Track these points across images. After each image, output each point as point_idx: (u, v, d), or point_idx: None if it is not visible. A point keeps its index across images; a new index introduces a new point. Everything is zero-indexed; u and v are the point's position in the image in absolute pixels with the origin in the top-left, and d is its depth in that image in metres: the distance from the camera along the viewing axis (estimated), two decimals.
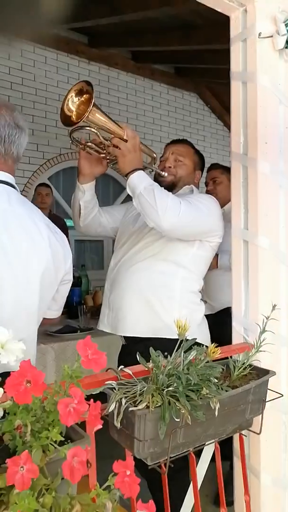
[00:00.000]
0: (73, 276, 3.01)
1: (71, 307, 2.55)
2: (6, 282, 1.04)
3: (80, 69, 4.84)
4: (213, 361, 0.95)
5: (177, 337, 0.90)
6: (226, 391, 0.91)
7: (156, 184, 1.43)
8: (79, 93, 1.36)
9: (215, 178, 2.43)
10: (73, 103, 1.36)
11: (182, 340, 0.90)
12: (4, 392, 0.61)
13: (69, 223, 4.15)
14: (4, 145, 1.11)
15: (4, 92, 4.35)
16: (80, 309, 2.51)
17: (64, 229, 3.24)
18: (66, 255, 1.20)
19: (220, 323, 1.64)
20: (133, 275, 1.55)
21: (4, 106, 1.15)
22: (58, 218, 4.00)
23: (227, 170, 2.43)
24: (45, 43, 4.45)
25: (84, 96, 1.35)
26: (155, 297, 1.51)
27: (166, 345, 0.93)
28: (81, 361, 0.67)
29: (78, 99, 1.36)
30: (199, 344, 0.96)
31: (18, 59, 4.39)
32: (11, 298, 1.04)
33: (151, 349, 0.94)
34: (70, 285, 1.29)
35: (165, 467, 0.85)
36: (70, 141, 1.47)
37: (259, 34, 1.25)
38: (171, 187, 1.61)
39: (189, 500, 1.14)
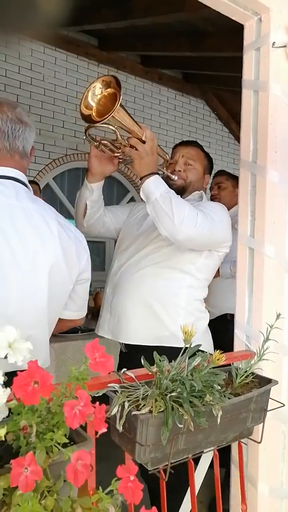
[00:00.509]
0: None
1: None
2: (11, 277, 1.03)
3: (89, 71, 4.86)
4: (216, 367, 0.95)
5: (181, 346, 0.90)
6: (229, 398, 0.91)
7: (173, 191, 1.40)
8: (105, 85, 1.31)
9: (220, 183, 2.45)
10: (94, 96, 1.31)
11: (188, 346, 0.89)
12: (11, 392, 0.61)
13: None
14: (8, 140, 1.10)
15: (13, 91, 4.37)
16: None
17: None
18: (81, 252, 1.18)
19: (217, 330, 1.64)
20: (139, 280, 1.51)
21: (6, 104, 1.14)
22: None
23: (232, 177, 2.45)
24: (55, 44, 4.47)
25: (108, 90, 1.30)
26: (161, 305, 1.49)
27: (170, 354, 0.93)
28: (89, 364, 0.67)
29: (101, 92, 1.31)
30: (202, 352, 0.96)
31: (28, 59, 4.40)
32: (16, 294, 1.03)
33: (155, 353, 0.93)
34: (89, 284, 1.27)
35: (165, 473, 0.85)
36: (85, 137, 1.41)
37: (273, 44, 1.26)
38: (180, 191, 1.59)
39: (186, 506, 1.14)
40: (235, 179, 2.37)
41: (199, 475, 1.15)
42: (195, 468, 1.05)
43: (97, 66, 4.86)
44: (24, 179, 1.14)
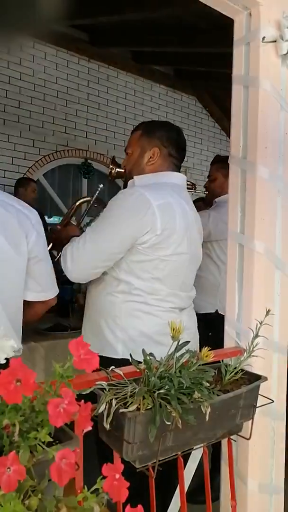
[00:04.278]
0: (63, 274, 2.96)
1: (62, 306, 2.52)
2: None
3: (80, 66, 4.83)
4: (205, 364, 0.94)
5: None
6: (218, 395, 0.90)
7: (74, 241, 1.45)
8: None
9: (210, 175, 2.42)
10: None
11: (178, 342, 0.89)
12: None
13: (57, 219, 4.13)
14: None
15: (2, 87, 4.32)
16: (72, 307, 2.49)
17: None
18: (27, 228, 1.20)
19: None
20: (88, 300, 1.52)
21: None
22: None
23: (225, 164, 2.35)
24: (45, 39, 4.43)
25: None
26: (102, 318, 1.41)
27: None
28: (73, 361, 0.65)
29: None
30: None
31: (17, 54, 4.36)
32: None
33: (143, 349, 0.93)
34: (48, 263, 1.29)
35: (153, 471, 0.84)
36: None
37: (263, 39, 1.25)
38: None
39: (176, 503, 1.13)
40: (227, 165, 2.30)
41: (189, 472, 1.15)
42: (185, 465, 1.04)
43: (87, 62, 4.83)
44: None
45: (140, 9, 3.26)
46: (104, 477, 0.60)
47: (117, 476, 0.59)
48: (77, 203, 1.80)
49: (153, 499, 0.85)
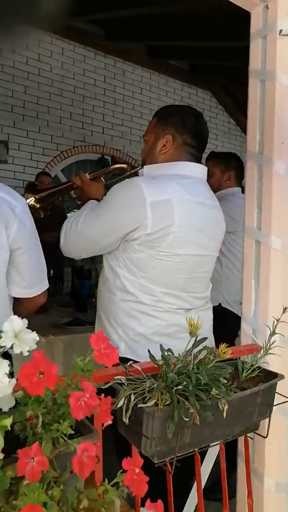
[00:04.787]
0: (84, 270, 2.97)
1: (81, 300, 2.55)
2: None
3: (96, 61, 4.83)
4: (222, 361, 0.95)
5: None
6: (235, 392, 0.90)
7: (84, 209, 1.43)
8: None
9: (207, 172, 2.39)
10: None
11: (195, 338, 0.89)
12: (17, 381, 0.61)
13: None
14: None
15: (22, 82, 4.36)
16: (89, 302, 2.51)
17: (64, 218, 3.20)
18: (8, 217, 1.15)
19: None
20: (97, 295, 1.50)
21: None
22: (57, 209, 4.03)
23: (220, 160, 2.32)
24: (63, 34, 4.44)
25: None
26: (105, 316, 1.40)
27: None
28: (94, 355, 0.66)
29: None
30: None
31: (36, 49, 4.38)
32: None
33: (160, 345, 0.93)
34: (33, 256, 1.23)
35: (171, 466, 0.85)
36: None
37: (280, 32, 1.23)
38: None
39: (191, 501, 1.14)
40: (223, 161, 2.27)
41: (205, 469, 1.16)
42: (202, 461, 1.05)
43: (104, 57, 4.83)
44: None
45: (155, 2, 3.24)
46: (124, 471, 0.61)
47: (137, 470, 0.60)
48: (114, 166, 1.74)
49: (170, 494, 0.86)
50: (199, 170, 1.44)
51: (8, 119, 4.15)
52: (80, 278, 2.64)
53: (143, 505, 0.62)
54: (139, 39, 4.53)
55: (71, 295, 2.71)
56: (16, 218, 1.16)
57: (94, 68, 4.74)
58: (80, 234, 1.34)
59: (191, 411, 0.80)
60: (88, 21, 4.38)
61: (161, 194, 1.28)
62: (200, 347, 0.92)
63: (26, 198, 1.64)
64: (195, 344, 0.89)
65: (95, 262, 3.36)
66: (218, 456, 1.08)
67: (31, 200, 1.67)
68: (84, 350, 0.70)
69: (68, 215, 1.46)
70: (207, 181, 2.41)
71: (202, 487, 1.01)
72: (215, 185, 2.32)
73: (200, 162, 1.46)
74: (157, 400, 0.81)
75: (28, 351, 0.68)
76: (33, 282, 1.27)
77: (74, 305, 2.59)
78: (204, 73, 5.17)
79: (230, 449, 1.22)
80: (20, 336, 0.69)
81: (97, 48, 4.68)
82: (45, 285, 1.32)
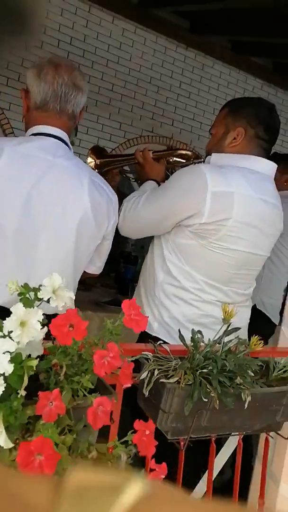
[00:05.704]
0: (131, 255, 3.03)
1: (123, 284, 2.61)
2: (40, 224, 1.13)
3: (177, 54, 4.83)
4: (255, 358, 0.93)
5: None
6: (261, 387, 0.89)
7: (146, 190, 1.48)
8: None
9: None
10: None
11: (228, 325, 0.89)
12: (48, 331, 0.65)
13: None
14: (60, 103, 1.19)
15: (100, 69, 4.48)
16: (131, 286, 2.56)
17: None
18: (111, 213, 1.27)
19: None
20: (141, 270, 1.54)
21: (65, 65, 1.22)
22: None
23: (281, 161, 2.18)
24: (148, 25, 4.48)
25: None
26: (145, 294, 1.44)
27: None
28: (123, 319, 0.69)
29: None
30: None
31: (119, 38, 4.47)
32: (45, 240, 1.14)
33: (192, 329, 0.94)
34: (111, 243, 1.36)
35: (184, 445, 0.86)
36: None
37: None
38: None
39: (202, 487, 1.14)
40: (282, 162, 2.14)
41: (219, 460, 1.15)
42: (218, 451, 1.04)
43: (185, 50, 4.81)
44: (66, 138, 1.24)
45: None
46: (135, 431, 0.63)
47: (147, 432, 0.62)
48: (180, 151, 1.73)
49: (180, 470, 0.87)
50: (269, 167, 1.41)
51: None
52: (126, 263, 2.70)
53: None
54: (224, 33, 4.44)
55: (115, 278, 2.77)
56: (114, 214, 1.30)
57: (173, 60, 4.74)
58: (140, 216, 1.39)
59: (212, 394, 0.80)
60: (174, 12, 4.38)
61: (225, 185, 1.27)
62: (231, 336, 0.92)
63: (88, 158, 1.74)
64: (226, 332, 0.89)
65: (144, 250, 3.40)
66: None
67: (92, 163, 1.73)
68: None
69: (128, 196, 1.49)
70: None
71: (213, 478, 1.01)
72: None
73: (269, 156, 1.43)
74: (180, 378, 0.82)
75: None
76: (103, 263, 1.41)
77: (116, 287, 2.65)
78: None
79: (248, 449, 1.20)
80: (57, 292, 0.74)
81: (180, 40, 4.67)
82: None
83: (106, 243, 1.32)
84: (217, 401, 0.80)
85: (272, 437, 1.05)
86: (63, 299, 0.73)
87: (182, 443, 0.86)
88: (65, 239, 1.18)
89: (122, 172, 1.85)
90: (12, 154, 1.13)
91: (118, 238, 1.46)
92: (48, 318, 0.70)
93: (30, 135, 1.21)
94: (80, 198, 1.18)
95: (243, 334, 1.43)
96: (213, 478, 1.02)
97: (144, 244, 4.29)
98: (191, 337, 0.89)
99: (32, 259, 1.14)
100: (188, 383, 0.82)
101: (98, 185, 1.24)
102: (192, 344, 0.88)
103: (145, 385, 0.85)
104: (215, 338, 0.89)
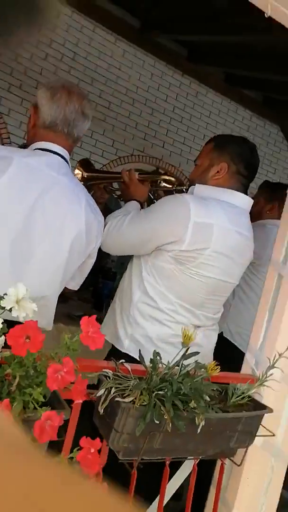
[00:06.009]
0: (111, 271, 3.03)
1: (99, 299, 2.61)
2: (38, 236, 1.18)
3: (173, 79, 4.97)
4: (214, 383, 0.95)
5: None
6: (216, 412, 0.90)
7: (131, 211, 1.51)
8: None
9: (253, 198, 2.31)
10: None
11: (186, 350, 0.90)
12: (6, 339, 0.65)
13: None
14: (68, 127, 1.27)
15: (99, 86, 4.56)
16: (106, 302, 2.56)
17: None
18: (99, 234, 1.35)
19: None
20: (118, 286, 1.57)
21: (77, 93, 1.30)
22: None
23: (268, 189, 2.22)
24: (148, 49, 4.61)
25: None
26: (119, 311, 1.47)
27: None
28: (80, 335, 0.70)
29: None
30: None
31: (120, 59, 4.58)
32: (41, 251, 1.19)
33: (154, 350, 0.95)
34: (93, 262, 1.41)
35: (134, 467, 0.86)
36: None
37: None
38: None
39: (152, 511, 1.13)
40: (269, 191, 2.17)
41: (172, 485, 1.14)
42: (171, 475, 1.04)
43: (181, 76, 4.95)
44: (68, 157, 1.31)
45: (238, 32, 3.31)
46: (80, 448, 0.63)
47: (92, 450, 0.62)
48: (164, 176, 1.78)
49: (131, 492, 0.87)
50: (245, 201, 1.49)
51: None
52: (104, 278, 2.71)
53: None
54: (219, 64, 4.61)
55: (92, 292, 2.77)
56: (101, 234, 1.37)
57: (169, 84, 4.88)
58: (123, 235, 1.42)
59: (165, 417, 0.81)
60: (174, 40, 4.53)
61: (206, 216, 1.34)
62: (191, 360, 0.93)
63: (75, 170, 1.79)
64: (185, 356, 0.90)
65: (124, 267, 3.42)
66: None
67: (79, 175, 1.77)
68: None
69: (113, 213, 1.52)
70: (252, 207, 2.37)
71: (164, 502, 1.00)
72: (255, 214, 2.26)
73: (247, 191, 1.52)
74: (135, 398, 0.83)
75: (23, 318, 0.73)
76: (83, 280, 1.45)
77: (92, 302, 2.65)
78: (277, 106, 5.16)
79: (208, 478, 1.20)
80: (21, 302, 0.74)
81: (177, 67, 4.82)
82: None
83: (89, 261, 1.38)
84: (170, 424, 0.81)
85: (226, 464, 1.05)
86: (26, 310, 0.73)
87: (134, 463, 0.86)
88: (59, 252, 1.23)
89: (109, 192, 1.89)
90: (21, 165, 1.19)
91: (101, 254, 1.49)
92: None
93: (34, 149, 1.27)
94: (78, 216, 1.24)
95: (209, 357, 1.47)
96: (164, 503, 1.02)
97: (124, 261, 4.30)
98: (150, 358, 0.90)
99: (26, 268, 1.18)
100: (143, 403, 0.83)
101: (92, 207, 1.31)
102: (151, 365, 0.90)
103: (101, 403, 0.85)
104: (174, 361, 0.90)
